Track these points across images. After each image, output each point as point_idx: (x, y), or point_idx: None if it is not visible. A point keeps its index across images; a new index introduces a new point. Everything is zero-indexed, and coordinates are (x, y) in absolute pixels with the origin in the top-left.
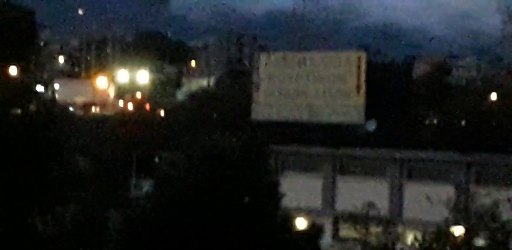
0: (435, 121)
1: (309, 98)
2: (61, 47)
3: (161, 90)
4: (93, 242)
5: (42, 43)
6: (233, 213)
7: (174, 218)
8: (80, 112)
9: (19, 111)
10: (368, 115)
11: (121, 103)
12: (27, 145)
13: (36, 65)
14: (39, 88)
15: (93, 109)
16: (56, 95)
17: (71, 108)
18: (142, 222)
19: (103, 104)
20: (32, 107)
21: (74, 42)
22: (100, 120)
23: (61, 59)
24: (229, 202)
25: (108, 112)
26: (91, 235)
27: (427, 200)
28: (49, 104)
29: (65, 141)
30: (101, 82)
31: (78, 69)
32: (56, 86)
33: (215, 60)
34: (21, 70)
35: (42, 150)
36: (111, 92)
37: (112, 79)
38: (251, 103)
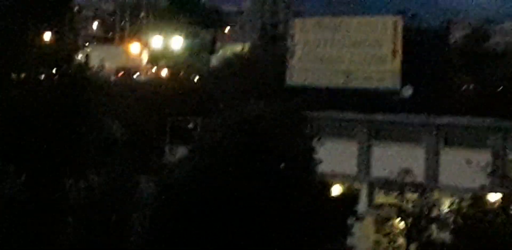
0: (471, 87)
1: (344, 63)
2: (95, 13)
3: (195, 56)
4: (125, 208)
5: (76, 9)
6: (269, 179)
7: (209, 184)
8: (113, 77)
9: (52, 72)
10: (404, 81)
11: (154, 69)
12: (60, 109)
13: (71, 31)
14: (74, 54)
15: (126, 74)
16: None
17: (104, 73)
18: (175, 189)
19: (136, 70)
20: (65, 71)
21: (108, 8)
22: (134, 85)
23: (95, 24)
24: (265, 168)
25: (142, 77)
26: (122, 201)
27: (467, 164)
28: (82, 69)
29: (98, 105)
30: (134, 48)
31: (112, 34)
32: (89, 51)
33: (249, 25)
34: (56, 35)
35: (74, 114)
36: (145, 58)
37: (145, 45)
38: (286, 69)
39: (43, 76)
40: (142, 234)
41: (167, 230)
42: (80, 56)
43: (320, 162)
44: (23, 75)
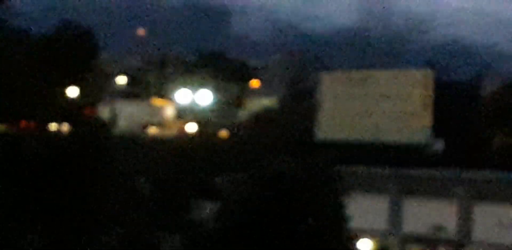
0: (503, 140)
1: (374, 118)
2: (121, 68)
3: (223, 111)
4: None
5: (101, 64)
6: (298, 235)
7: (237, 241)
8: (140, 134)
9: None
10: (435, 135)
11: (182, 124)
12: (86, 164)
13: (96, 86)
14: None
15: (153, 130)
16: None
17: (130, 129)
18: (202, 245)
19: (163, 125)
20: (92, 128)
21: (134, 63)
22: (161, 141)
23: (120, 79)
24: (293, 224)
25: (169, 133)
26: None
27: (499, 223)
28: (109, 126)
29: (125, 160)
30: (161, 103)
31: (138, 89)
32: (116, 107)
33: (277, 79)
34: (80, 91)
35: (102, 170)
36: (171, 113)
37: (172, 100)
38: (314, 124)
39: (67, 131)
40: None
41: None
42: (105, 112)
43: (351, 217)
44: (47, 129)
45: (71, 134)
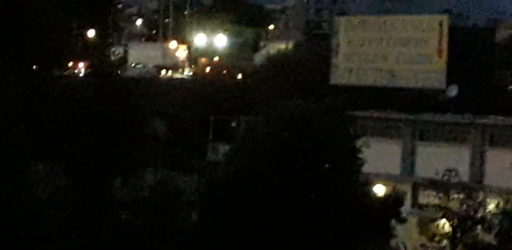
0: None
1: (389, 62)
2: (139, 10)
3: (239, 54)
4: (169, 207)
5: (120, 6)
6: (313, 179)
7: (252, 184)
8: (152, 75)
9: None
10: (450, 80)
11: (197, 66)
12: (101, 107)
13: (114, 29)
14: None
15: (164, 72)
16: (128, 58)
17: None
18: (219, 188)
19: (176, 68)
20: (106, 69)
21: (153, 5)
22: (177, 83)
23: (139, 22)
24: (308, 168)
25: (182, 75)
26: (166, 200)
27: (511, 167)
28: (121, 66)
29: (141, 103)
30: (175, 45)
31: (156, 32)
32: (130, 49)
33: (293, 23)
34: (99, 33)
35: (116, 112)
36: (186, 56)
37: (189, 42)
38: (330, 68)
39: (84, 72)
40: (187, 233)
41: (212, 229)
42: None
43: (364, 162)
44: (65, 71)
45: (86, 75)
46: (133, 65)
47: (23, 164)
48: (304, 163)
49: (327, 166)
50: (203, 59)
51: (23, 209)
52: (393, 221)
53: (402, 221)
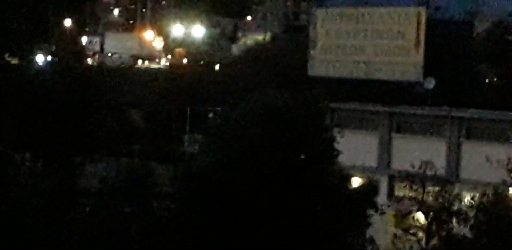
0: (495, 79)
1: (366, 55)
2: (116, 0)
3: (216, 45)
4: (144, 197)
5: None
6: (289, 170)
7: (228, 174)
8: (128, 65)
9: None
10: (427, 73)
11: (171, 57)
12: (79, 97)
13: (91, 18)
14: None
15: (141, 62)
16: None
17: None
18: (195, 178)
19: (152, 58)
20: (83, 60)
21: None
22: (153, 73)
23: (115, 12)
24: (285, 158)
25: (157, 65)
26: (141, 189)
27: (487, 160)
28: (97, 56)
29: (118, 93)
30: (151, 35)
31: (132, 22)
32: (106, 39)
33: (272, 15)
34: (76, 22)
35: (94, 102)
36: (161, 46)
37: (166, 33)
38: (307, 60)
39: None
40: (162, 223)
41: (187, 219)
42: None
43: (340, 153)
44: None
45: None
46: (109, 54)
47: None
48: (280, 153)
49: (302, 156)
50: (180, 50)
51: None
52: (369, 212)
53: (378, 209)
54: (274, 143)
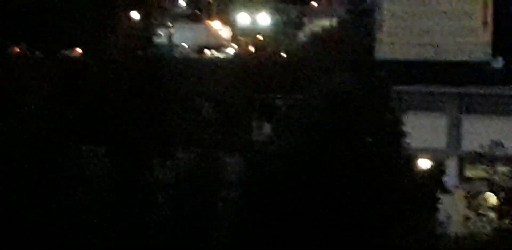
0: None
1: (434, 36)
2: None
3: (282, 32)
4: (213, 187)
5: None
6: (357, 153)
7: (298, 161)
8: (196, 56)
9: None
10: (495, 52)
11: (241, 46)
12: (147, 89)
13: (158, 9)
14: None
15: (208, 52)
16: (173, 39)
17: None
18: (264, 167)
19: (220, 48)
20: (151, 52)
21: None
22: (219, 63)
23: (182, 2)
24: (352, 142)
25: (226, 55)
26: (210, 179)
27: None
28: (166, 48)
29: (186, 84)
30: (219, 25)
31: (199, 12)
32: (174, 30)
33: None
34: (143, 14)
35: (162, 94)
36: (229, 35)
37: (232, 22)
38: (374, 43)
39: (129, 55)
40: (229, 214)
41: (256, 209)
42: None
43: (407, 135)
44: (110, 54)
45: (136, 59)
46: (178, 45)
47: (67, 147)
48: (347, 138)
49: (369, 140)
50: (247, 39)
51: (70, 191)
52: (439, 194)
53: (447, 192)
54: (341, 127)
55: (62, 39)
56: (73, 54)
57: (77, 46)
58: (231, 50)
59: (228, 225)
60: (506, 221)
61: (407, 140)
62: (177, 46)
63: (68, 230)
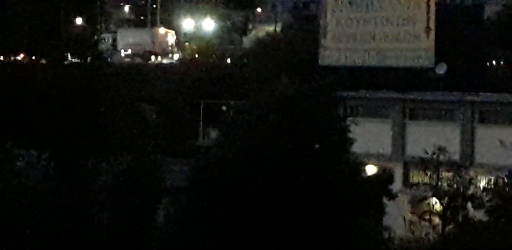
0: (505, 63)
1: (377, 42)
2: None
3: (227, 38)
4: (156, 192)
5: None
6: (303, 160)
7: (244, 167)
8: (141, 61)
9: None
10: (438, 58)
11: (183, 51)
12: (91, 94)
13: (102, 15)
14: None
15: (153, 58)
16: (117, 45)
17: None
18: (209, 172)
19: (165, 53)
20: (95, 56)
21: None
22: (163, 68)
23: (126, 8)
24: (298, 148)
25: (169, 61)
26: (153, 184)
27: (501, 144)
28: (109, 53)
29: (131, 89)
30: (162, 31)
31: (143, 18)
32: (118, 36)
33: (281, 6)
34: (87, 20)
35: (105, 98)
36: (173, 41)
37: (177, 28)
38: (318, 49)
39: (73, 60)
40: (172, 219)
41: (200, 214)
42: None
43: (354, 141)
44: (53, 59)
45: (76, 64)
46: (122, 51)
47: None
48: (293, 144)
49: (316, 146)
50: (191, 44)
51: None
52: (384, 200)
53: (393, 197)
54: (287, 133)
55: (7, 44)
56: (17, 58)
57: (22, 51)
58: (176, 56)
59: (172, 231)
60: (450, 226)
61: (353, 146)
62: (121, 51)
63: (4, 234)
